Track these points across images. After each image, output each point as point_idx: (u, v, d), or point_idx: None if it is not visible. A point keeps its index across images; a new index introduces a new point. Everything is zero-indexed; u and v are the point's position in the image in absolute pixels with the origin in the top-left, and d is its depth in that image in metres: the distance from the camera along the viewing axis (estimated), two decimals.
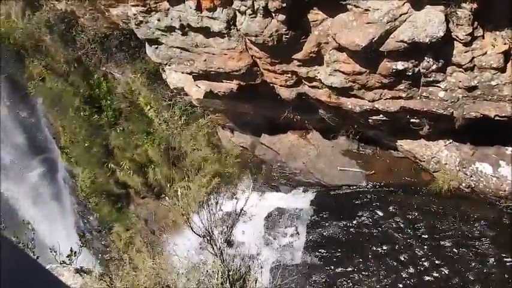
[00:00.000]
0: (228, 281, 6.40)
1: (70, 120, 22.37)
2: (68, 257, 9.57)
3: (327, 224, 14.04)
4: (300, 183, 15.01)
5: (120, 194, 24.67)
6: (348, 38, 11.68)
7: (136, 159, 22.53)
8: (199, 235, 7.75)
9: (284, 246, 14.20)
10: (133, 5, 12.75)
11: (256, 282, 6.35)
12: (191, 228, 7.81)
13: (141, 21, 13.03)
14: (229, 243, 7.93)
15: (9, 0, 20.07)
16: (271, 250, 14.18)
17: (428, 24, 11.13)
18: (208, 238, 7.43)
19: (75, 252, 9.53)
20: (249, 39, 12.57)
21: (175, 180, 23.03)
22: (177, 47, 13.29)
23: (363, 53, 11.72)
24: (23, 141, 25.13)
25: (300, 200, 14.77)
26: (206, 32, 12.90)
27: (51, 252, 9.46)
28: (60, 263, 9.19)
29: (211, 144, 17.86)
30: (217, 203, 8.28)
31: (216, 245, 7.25)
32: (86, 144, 22.53)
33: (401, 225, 13.44)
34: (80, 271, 5.76)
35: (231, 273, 6.57)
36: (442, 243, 12.98)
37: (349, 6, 11.39)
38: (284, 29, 12.15)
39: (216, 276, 6.43)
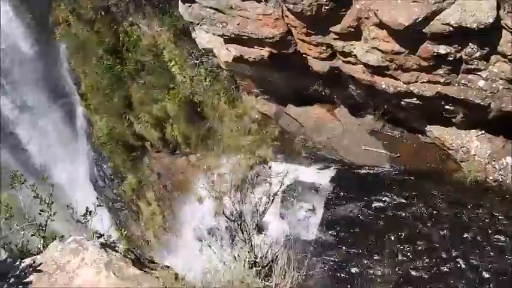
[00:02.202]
0: (254, 268, 6.24)
1: (92, 68, 22.09)
2: (83, 216, 9.39)
3: (345, 203, 13.83)
4: (321, 159, 14.73)
5: (135, 145, 24.62)
6: (391, 15, 11.14)
7: (155, 114, 22.35)
8: (230, 219, 7.53)
9: (299, 220, 14.05)
10: None
11: (285, 274, 6.17)
12: (223, 213, 7.57)
13: None
14: (259, 229, 7.72)
15: None
16: (286, 224, 14.04)
17: (478, 9, 10.55)
18: (239, 223, 7.22)
19: (91, 212, 9.32)
20: (286, 7, 12.07)
21: (191, 139, 22.96)
22: (211, 8, 12.82)
23: (405, 33, 11.21)
24: (44, 85, 24.98)
25: (320, 176, 14.52)
26: None
27: (68, 209, 9.30)
28: (76, 222, 9.05)
29: (232, 108, 17.53)
30: (250, 187, 8.04)
31: (246, 231, 7.06)
32: (106, 94, 22.33)
33: (422, 212, 13.18)
34: (105, 246, 5.58)
35: (257, 260, 6.41)
36: (461, 234, 12.72)
37: None
38: (325, 0, 11.63)
39: (243, 263, 6.26)
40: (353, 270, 12.80)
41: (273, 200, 8.92)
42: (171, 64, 20.09)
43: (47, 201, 8.96)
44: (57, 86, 25.12)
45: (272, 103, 15.80)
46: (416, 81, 12.28)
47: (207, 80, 16.58)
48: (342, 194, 14.14)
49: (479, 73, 11.59)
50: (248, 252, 6.48)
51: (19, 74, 24.99)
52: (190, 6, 13.05)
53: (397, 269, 12.58)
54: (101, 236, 8.89)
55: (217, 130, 17.92)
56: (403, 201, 13.47)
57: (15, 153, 27.97)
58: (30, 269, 5.53)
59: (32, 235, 8.88)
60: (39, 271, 5.46)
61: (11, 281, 5.51)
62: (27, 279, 5.41)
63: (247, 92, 15.95)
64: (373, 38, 11.91)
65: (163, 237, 22.60)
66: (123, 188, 26.93)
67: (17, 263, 5.66)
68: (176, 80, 20.41)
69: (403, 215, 13.25)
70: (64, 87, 25.17)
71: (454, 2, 10.78)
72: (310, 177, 14.59)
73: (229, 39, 13.48)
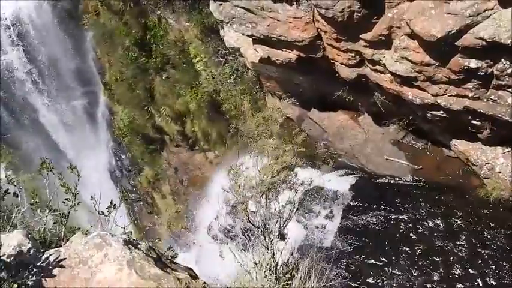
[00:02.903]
0: (274, 275, 6.17)
1: (118, 59, 22.20)
2: (107, 208, 9.42)
3: (363, 212, 13.71)
4: (342, 165, 14.61)
5: (155, 138, 24.73)
6: (424, 26, 10.98)
7: (177, 108, 22.41)
8: (254, 225, 7.47)
9: (316, 226, 13.96)
10: None
11: (305, 283, 6.10)
12: (248, 218, 7.51)
13: None
14: (282, 236, 7.66)
15: None
16: (303, 228, 13.96)
17: None
18: (262, 229, 7.16)
19: (115, 205, 9.35)
20: (318, 11, 11.97)
21: (211, 136, 22.97)
22: (242, 7, 12.77)
23: (437, 45, 11.04)
24: (69, 71, 25.18)
25: (340, 183, 14.40)
26: None
27: (91, 199, 9.32)
28: (99, 214, 9.10)
29: (255, 110, 17.50)
30: (275, 193, 7.97)
31: (269, 237, 6.99)
32: (129, 85, 22.43)
33: (441, 226, 13.01)
34: (128, 243, 5.55)
35: (278, 267, 6.35)
36: (480, 252, 12.53)
37: None
38: (357, 6, 11.51)
39: (264, 270, 6.19)
40: (368, 280, 12.68)
41: (297, 209, 8.84)
42: (196, 60, 20.09)
43: (72, 191, 8.99)
44: (81, 74, 25.31)
45: (296, 106, 15.72)
46: (444, 94, 12.10)
47: (232, 78, 16.53)
48: (360, 202, 14.01)
49: (509, 89, 11.37)
50: (270, 258, 6.42)
51: (46, 60, 25.25)
52: (221, 4, 13.02)
53: (412, 283, 12.44)
54: (125, 232, 8.91)
55: (239, 129, 17.87)
56: (423, 214, 13.30)
57: (39, 138, 28.26)
58: (54, 262, 5.53)
59: (54, 223, 8.92)
60: (62, 266, 5.46)
61: (34, 271, 5.51)
62: (51, 272, 5.41)
63: (271, 94, 15.88)
64: (404, 48, 11.76)
65: (176, 232, 22.66)
66: (139, 179, 27.10)
67: (40, 254, 5.66)
68: (200, 77, 20.43)
69: (422, 228, 13.09)
70: (88, 76, 25.35)
71: (489, 17, 10.59)
72: (329, 183, 14.49)
73: (257, 40, 13.42)
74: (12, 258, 5.58)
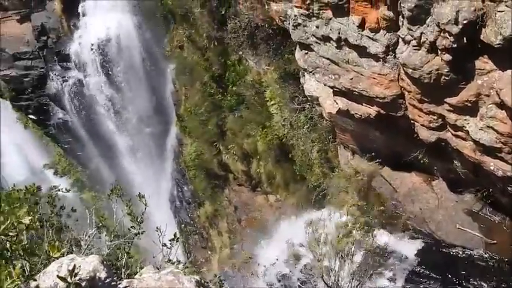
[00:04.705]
0: None
1: (194, 93, 22.81)
2: (170, 240, 9.47)
3: (428, 280, 13.09)
4: (410, 229, 14.11)
5: (219, 174, 24.97)
6: None
7: (245, 148, 22.62)
8: (327, 284, 7.27)
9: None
10: (296, 6, 12.41)
11: None
12: (322, 278, 7.32)
13: (299, 24, 12.68)
14: None
15: None
16: None
17: None
18: None
19: (178, 239, 9.39)
20: (404, 70, 11.82)
21: (275, 179, 22.90)
22: (328, 58, 12.82)
23: None
24: (146, 99, 26.06)
25: (406, 246, 13.88)
26: (361, 51, 12.31)
27: (156, 231, 9.41)
28: (162, 245, 9.17)
29: (324, 160, 17.37)
30: (350, 254, 7.76)
31: None
32: (202, 119, 22.91)
33: None
34: (200, 284, 5.47)
35: None
36: None
37: None
38: (446, 70, 11.27)
39: None
40: None
41: (371, 274, 8.54)
42: (271, 103, 20.29)
43: (138, 220, 9.08)
44: (157, 103, 26.13)
45: (368, 161, 15.44)
46: None
47: (305, 127, 16.52)
48: (426, 270, 13.41)
49: None
50: None
51: (126, 85, 26.29)
52: (307, 53, 13.13)
53: None
54: (187, 267, 8.88)
55: (308, 179, 17.75)
56: None
57: (107, 160, 29.20)
58: None
59: (118, 249, 9.01)
60: None
61: None
62: None
63: (344, 146, 15.70)
64: (490, 117, 11.36)
65: (228, 271, 22.49)
66: (198, 213, 27.33)
67: (113, 282, 5.66)
68: (272, 119, 20.59)
69: None
70: (164, 106, 26.14)
71: None
72: (395, 245, 14.00)
73: (338, 92, 13.39)
74: (85, 283, 5.62)
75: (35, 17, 26.93)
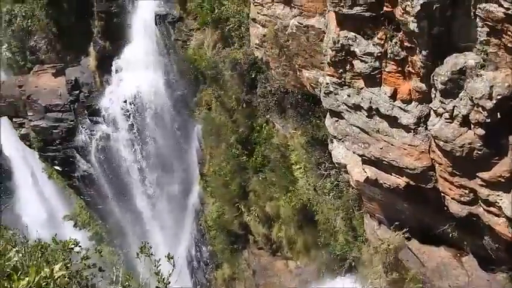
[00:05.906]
0: None
1: (220, 153, 22.88)
2: None
3: None
4: None
5: (239, 236, 24.60)
6: None
7: (267, 210, 22.35)
8: None
9: None
10: (328, 75, 12.54)
11: None
12: None
13: (331, 92, 12.76)
14: None
15: (205, 30, 21.21)
16: None
17: None
18: None
19: None
20: (436, 143, 11.69)
21: (296, 243, 22.44)
22: (358, 127, 12.79)
23: None
24: (171, 157, 26.21)
25: None
26: (392, 121, 12.27)
27: None
28: None
29: (349, 228, 17.04)
30: None
31: None
32: (226, 179, 22.85)
33: None
34: None
35: None
36: None
37: None
38: (479, 144, 11.11)
39: None
40: None
41: None
42: (296, 167, 20.21)
43: (164, 281, 8.89)
44: (182, 161, 26.24)
45: (394, 232, 15.06)
46: None
47: (331, 194, 16.32)
48: None
49: None
50: None
51: (152, 142, 26.57)
52: (337, 121, 13.14)
53: None
54: None
55: (331, 246, 17.35)
56: None
57: (127, 215, 29.15)
58: None
59: None
60: None
61: None
62: None
63: (371, 215, 15.39)
64: None
65: None
66: (215, 274, 26.79)
67: None
68: (297, 184, 20.42)
69: None
70: (188, 164, 26.22)
71: None
72: None
73: (367, 160, 13.26)
74: None
75: (69, 72, 27.76)
